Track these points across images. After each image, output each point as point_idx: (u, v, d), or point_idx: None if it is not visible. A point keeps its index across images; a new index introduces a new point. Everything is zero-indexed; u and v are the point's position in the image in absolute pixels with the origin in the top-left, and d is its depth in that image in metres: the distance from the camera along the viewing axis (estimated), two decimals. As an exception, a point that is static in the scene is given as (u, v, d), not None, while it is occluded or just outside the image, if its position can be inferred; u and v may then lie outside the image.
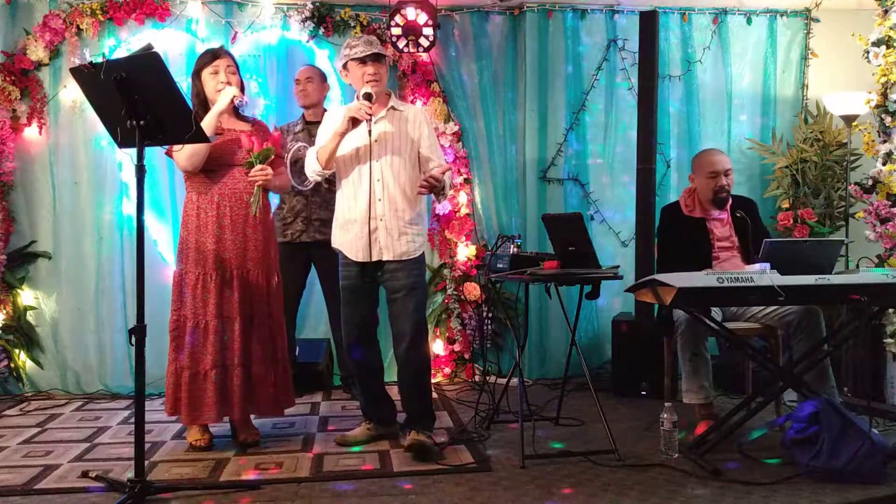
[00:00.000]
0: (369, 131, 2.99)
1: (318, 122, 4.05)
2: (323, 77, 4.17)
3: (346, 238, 3.12)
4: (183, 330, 3.09)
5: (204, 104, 3.16)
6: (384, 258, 3.07)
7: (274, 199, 3.89)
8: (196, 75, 3.19)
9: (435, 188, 3.01)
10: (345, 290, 3.19)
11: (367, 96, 2.99)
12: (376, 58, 3.08)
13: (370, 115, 2.95)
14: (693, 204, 3.61)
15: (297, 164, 3.80)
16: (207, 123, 3.02)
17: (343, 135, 3.01)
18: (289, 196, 3.98)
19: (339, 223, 3.17)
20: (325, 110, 4.15)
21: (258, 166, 3.06)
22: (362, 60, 3.07)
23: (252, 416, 3.30)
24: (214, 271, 3.09)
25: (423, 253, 3.19)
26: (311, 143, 3.94)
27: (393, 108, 3.13)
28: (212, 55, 3.19)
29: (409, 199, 3.11)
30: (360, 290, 3.15)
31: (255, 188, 3.08)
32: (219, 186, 3.12)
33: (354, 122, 2.97)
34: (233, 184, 3.13)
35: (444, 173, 3.04)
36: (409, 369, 3.12)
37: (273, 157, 3.13)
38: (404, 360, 3.10)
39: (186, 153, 3.02)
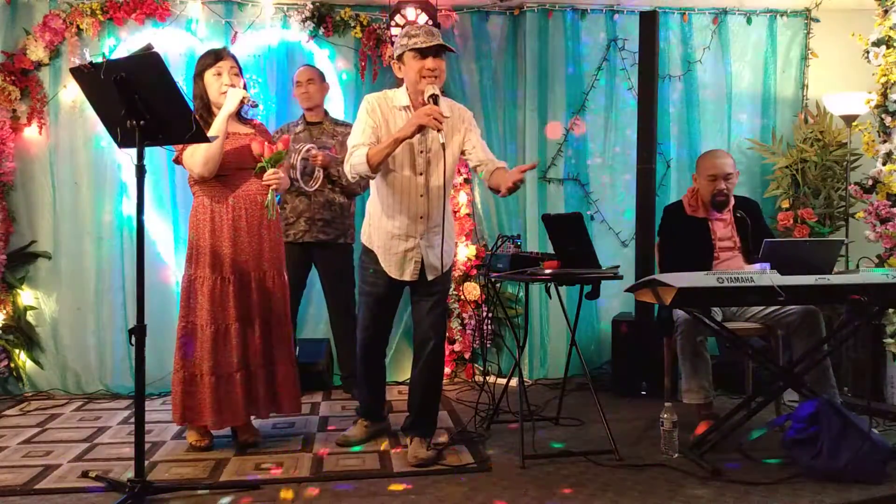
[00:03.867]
0: (442, 145, 2.75)
1: (319, 123, 4.08)
2: (322, 77, 4.16)
3: (383, 247, 2.99)
4: (192, 336, 3.06)
5: (207, 106, 3.14)
6: (429, 278, 2.99)
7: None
8: (198, 77, 3.14)
9: (517, 187, 2.75)
10: (369, 296, 3.09)
11: (434, 98, 2.72)
12: (438, 51, 2.80)
13: (441, 125, 2.65)
14: (696, 204, 3.61)
15: (310, 166, 3.78)
16: (218, 127, 3.00)
17: (403, 141, 2.74)
18: (291, 196, 3.98)
19: (377, 226, 3.01)
20: (326, 111, 4.15)
21: (271, 170, 3.05)
22: (423, 53, 2.77)
23: (252, 417, 3.29)
24: (232, 275, 3.06)
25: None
26: (312, 143, 3.95)
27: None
28: (214, 56, 3.15)
29: (450, 208, 3.05)
30: (385, 299, 3.08)
31: (269, 192, 3.07)
32: (232, 190, 3.10)
33: (420, 129, 2.71)
34: (246, 187, 3.12)
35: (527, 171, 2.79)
36: (427, 373, 3.07)
37: (284, 160, 3.13)
38: (425, 364, 3.05)
39: (201, 159, 2.99)
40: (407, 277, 2.99)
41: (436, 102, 2.73)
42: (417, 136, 2.80)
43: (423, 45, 2.78)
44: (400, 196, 2.94)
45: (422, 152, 2.91)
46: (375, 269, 3.03)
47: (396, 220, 2.96)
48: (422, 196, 2.93)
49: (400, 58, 2.88)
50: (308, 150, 3.68)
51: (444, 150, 2.79)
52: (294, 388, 3.20)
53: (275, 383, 3.15)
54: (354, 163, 2.82)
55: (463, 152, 3.01)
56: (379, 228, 3.01)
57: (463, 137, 2.99)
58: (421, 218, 2.95)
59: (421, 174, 2.92)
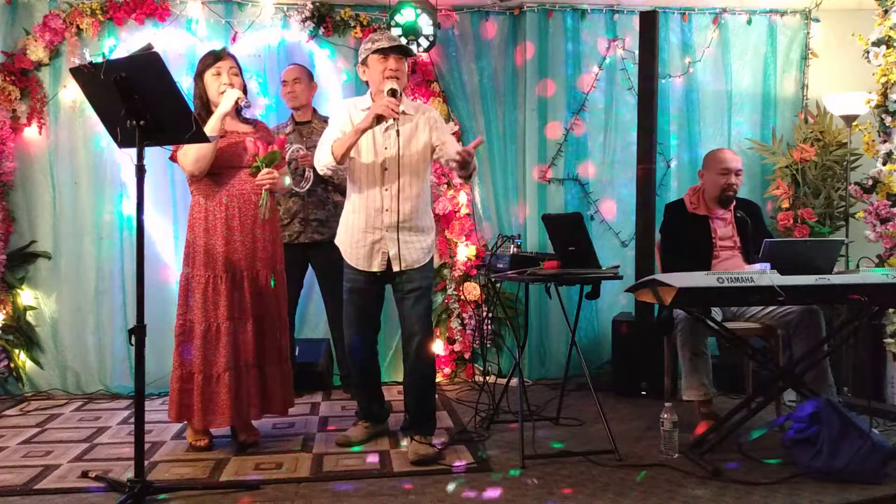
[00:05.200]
0: (397, 131, 2.91)
1: (308, 122, 4.08)
2: (310, 76, 4.16)
3: (349, 242, 3.10)
4: (189, 334, 3.06)
5: (206, 106, 3.15)
6: (395, 269, 3.04)
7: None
8: (198, 77, 3.16)
9: (467, 163, 2.85)
10: (350, 293, 3.15)
11: (393, 92, 2.87)
12: (399, 52, 2.98)
13: (398, 114, 2.84)
14: (698, 202, 3.62)
15: (292, 165, 3.80)
16: (212, 126, 3.01)
17: (364, 131, 2.90)
18: (284, 198, 3.97)
19: (344, 224, 3.14)
20: (314, 110, 4.16)
21: (265, 170, 3.06)
22: (384, 54, 2.95)
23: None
24: (224, 273, 3.07)
25: (433, 257, 3.17)
26: (302, 143, 3.96)
27: (403, 112, 2.99)
28: (214, 57, 3.17)
29: (420, 207, 3.09)
30: (364, 293, 3.12)
31: (263, 192, 3.08)
32: (226, 189, 3.11)
33: (378, 119, 2.87)
34: (240, 186, 3.12)
35: (475, 147, 2.88)
36: (418, 369, 3.09)
37: (279, 160, 3.14)
38: (414, 360, 3.07)
39: (192, 157, 3.01)
40: (375, 268, 3.06)
41: (394, 96, 2.87)
42: (381, 130, 2.97)
43: (386, 47, 2.95)
44: (365, 190, 3.04)
45: (386, 148, 3.00)
46: (349, 266, 3.11)
47: (362, 213, 3.06)
48: (386, 190, 3.01)
49: (364, 62, 3.03)
50: (296, 151, 3.68)
51: (398, 135, 2.93)
52: (284, 389, 3.19)
53: (265, 384, 3.14)
54: (320, 156, 3.03)
55: (434, 150, 3.08)
56: (346, 224, 3.12)
57: (430, 135, 3.07)
58: (386, 211, 3.01)
59: (386, 169, 3.01)
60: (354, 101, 3.14)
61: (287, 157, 3.57)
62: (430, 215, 3.20)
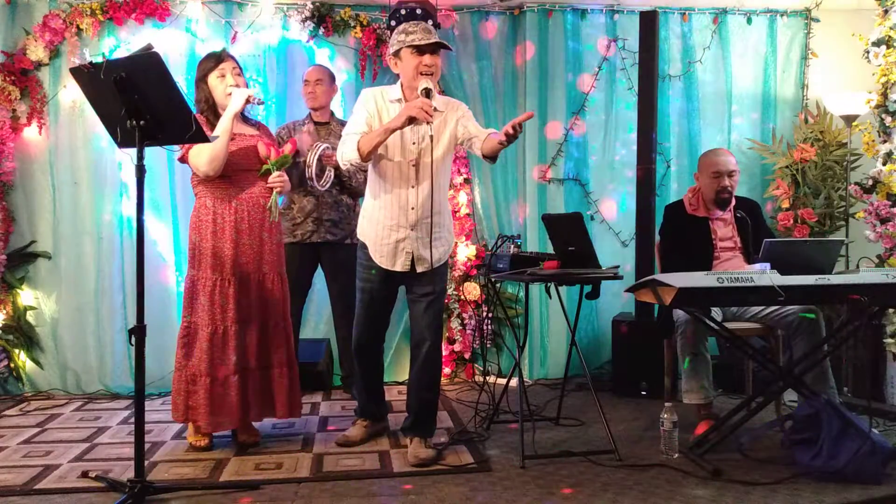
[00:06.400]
0: (431, 136, 2.81)
1: (326, 124, 4.07)
2: (332, 79, 4.14)
3: (375, 238, 3.02)
4: (194, 336, 3.06)
5: (213, 109, 3.13)
6: (418, 270, 3.00)
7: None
8: (202, 81, 3.15)
9: (515, 138, 2.70)
10: (362, 291, 3.11)
11: (427, 92, 2.76)
12: (435, 48, 2.86)
13: (431, 118, 2.73)
14: (697, 203, 3.61)
15: (310, 166, 3.78)
16: (224, 127, 3.01)
17: (394, 131, 2.80)
18: (298, 196, 3.96)
19: (369, 217, 3.05)
20: (332, 112, 4.15)
21: (276, 173, 3.06)
22: (420, 49, 2.83)
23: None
24: (232, 276, 3.07)
25: (447, 259, 3.15)
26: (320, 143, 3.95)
27: (435, 108, 2.85)
28: (216, 59, 3.15)
29: (444, 203, 3.06)
30: (378, 294, 3.09)
31: (273, 194, 3.08)
32: (236, 191, 3.10)
33: (410, 120, 2.76)
34: (249, 188, 3.12)
35: (524, 121, 2.69)
36: (424, 373, 3.07)
37: (290, 163, 3.15)
38: (423, 362, 3.05)
39: (207, 157, 2.99)
40: (398, 268, 3.01)
41: (428, 96, 2.77)
42: (410, 127, 2.86)
43: (422, 43, 2.83)
44: (391, 187, 2.98)
45: (414, 143, 2.94)
46: (368, 263, 3.05)
47: (387, 210, 2.99)
48: (413, 187, 2.96)
49: (397, 54, 2.93)
50: (323, 150, 3.68)
51: (431, 141, 2.83)
52: (289, 392, 3.18)
53: (270, 387, 3.15)
54: (345, 150, 2.91)
55: (462, 142, 3.01)
56: (371, 219, 3.05)
57: (455, 126, 3.00)
58: (412, 209, 2.96)
59: (413, 165, 2.95)
60: (382, 90, 3.02)
61: (317, 154, 3.57)
62: (450, 212, 3.17)
